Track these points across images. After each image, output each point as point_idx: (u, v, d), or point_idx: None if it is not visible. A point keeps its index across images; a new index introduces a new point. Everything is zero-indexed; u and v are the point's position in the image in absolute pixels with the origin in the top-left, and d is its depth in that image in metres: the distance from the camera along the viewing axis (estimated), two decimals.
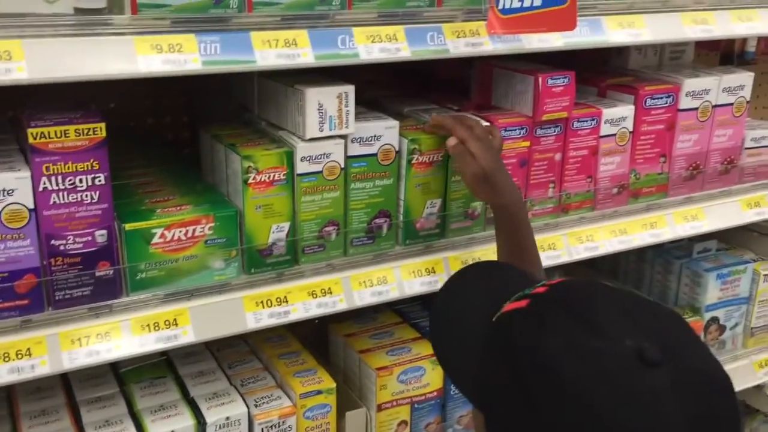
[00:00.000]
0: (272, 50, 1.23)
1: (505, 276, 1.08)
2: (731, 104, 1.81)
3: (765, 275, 2.01)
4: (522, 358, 0.78)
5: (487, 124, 1.50)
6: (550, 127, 1.59)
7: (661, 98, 1.71)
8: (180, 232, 1.28)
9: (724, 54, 2.35)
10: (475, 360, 0.87)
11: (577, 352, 0.75)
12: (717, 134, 1.82)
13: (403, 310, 1.83)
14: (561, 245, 1.64)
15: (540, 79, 1.52)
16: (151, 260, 1.27)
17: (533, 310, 0.83)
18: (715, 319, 2.00)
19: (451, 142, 1.40)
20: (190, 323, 1.29)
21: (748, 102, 1.83)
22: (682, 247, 2.07)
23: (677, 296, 2.05)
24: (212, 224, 1.30)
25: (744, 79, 1.81)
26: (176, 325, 1.28)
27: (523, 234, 1.42)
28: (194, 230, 1.29)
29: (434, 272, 1.51)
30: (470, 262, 1.55)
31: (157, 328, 1.26)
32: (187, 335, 1.28)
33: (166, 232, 1.27)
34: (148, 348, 1.25)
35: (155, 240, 1.26)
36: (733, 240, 2.14)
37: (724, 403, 0.76)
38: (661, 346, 0.74)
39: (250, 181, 1.32)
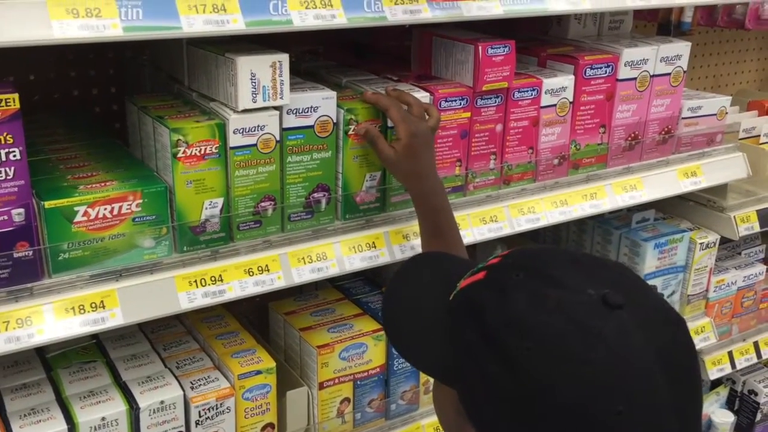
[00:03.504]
0: (199, 16, 1.17)
1: (451, 262, 1.09)
2: (669, 74, 1.82)
3: (701, 244, 2.05)
4: (491, 322, 0.79)
5: (426, 100, 1.46)
6: (490, 98, 1.56)
7: (601, 68, 1.71)
8: (105, 209, 1.21)
9: (661, 24, 2.37)
10: (439, 340, 0.87)
11: (543, 304, 0.77)
12: (655, 104, 1.83)
13: (344, 286, 1.80)
14: (503, 217, 1.63)
15: (480, 48, 1.49)
16: (75, 239, 1.20)
17: (492, 277, 0.84)
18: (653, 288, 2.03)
19: (360, 130, 1.40)
20: (119, 305, 1.22)
21: (685, 72, 1.84)
22: (621, 217, 2.09)
23: None
24: (140, 201, 1.24)
25: (681, 49, 1.82)
26: (103, 307, 1.21)
27: (439, 220, 1.41)
28: (120, 207, 1.22)
29: (375, 247, 1.48)
30: (411, 236, 1.52)
31: (82, 311, 1.20)
32: (115, 318, 1.22)
33: (89, 210, 1.20)
34: (74, 332, 1.19)
35: (78, 218, 1.19)
36: (670, 209, 2.17)
37: (684, 336, 0.80)
38: (620, 292, 0.77)
39: (179, 155, 1.26)
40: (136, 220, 1.25)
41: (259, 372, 1.44)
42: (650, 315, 0.78)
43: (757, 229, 2.10)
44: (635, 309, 0.76)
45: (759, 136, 2.23)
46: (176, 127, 1.26)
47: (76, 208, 1.19)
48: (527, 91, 1.61)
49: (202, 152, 1.28)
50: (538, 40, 1.86)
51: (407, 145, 1.36)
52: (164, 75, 1.56)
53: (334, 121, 1.39)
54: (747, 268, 2.23)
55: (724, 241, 2.13)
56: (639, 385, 0.74)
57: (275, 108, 1.32)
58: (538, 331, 0.76)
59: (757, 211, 2.11)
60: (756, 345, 2.29)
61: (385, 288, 1.09)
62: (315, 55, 1.83)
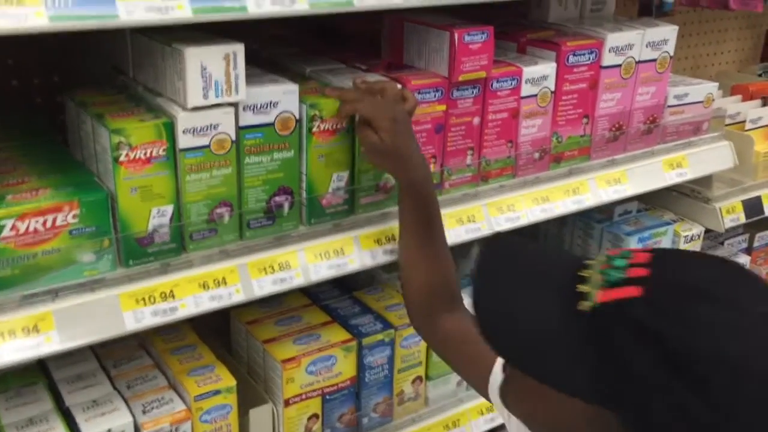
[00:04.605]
0: (140, 2, 1.02)
1: (541, 256, 0.95)
2: (655, 60, 1.71)
3: (685, 236, 1.96)
4: (683, 353, 0.74)
5: (399, 86, 1.34)
6: (467, 89, 1.44)
7: (584, 54, 1.59)
8: (37, 222, 1.07)
9: (642, 4, 2.26)
10: (582, 358, 0.78)
11: (738, 336, 0.74)
12: (640, 92, 1.73)
13: (312, 290, 1.68)
14: (481, 217, 1.52)
15: (456, 35, 1.37)
16: (1, 257, 1.06)
17: (659, 299, 0.77)
18: None
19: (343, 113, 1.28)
20: (55, 328, 1.09)
21: (671, 57, 1.74)
22: (603, 210, 2.00)
23: None
24: (77, 211, 1.10)
25: (668, 33, 1.71)
26: (37, 331, 1.08)
27: (431, 210, 1.31)
28: (55, 219, 1.09)
29: (343, 253, 1.36)
30: (383, 240, 1.40)
31: (12, 336, 1.06)
32: (50, 342, 1.08)
33: (18, 224, 1.06)
34: (3, 360, 1.06)
35: (5, 233, 1.05)
36: (653, 200, 2.08)
37: None
38: None
39: (121, 159, 1.12)
40: (74, 232, 1.11)
41: (217, 392, 1.32)
42: None
43: (742, 220, 2.02)
44: None
45: (744, 122, 2.14)
46: (117, 127, 1.12)
47: (2, 222, 1.05)
48: (506, 80, 1.49)
49: (148, 155, 1.14)
50: (517, 24, 1.74)
51: (392, 131, 1.24)
52: (108, 65, 1.41)
53: (297, 117, 1.26)
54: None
55: (707, 231, 2.05)
56: None
57: (230, 104, 1.19)
58: (744, 367, 0.72)
59: (742, 201, 2.03)
60: None
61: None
62: (279, 41, 1.69)
